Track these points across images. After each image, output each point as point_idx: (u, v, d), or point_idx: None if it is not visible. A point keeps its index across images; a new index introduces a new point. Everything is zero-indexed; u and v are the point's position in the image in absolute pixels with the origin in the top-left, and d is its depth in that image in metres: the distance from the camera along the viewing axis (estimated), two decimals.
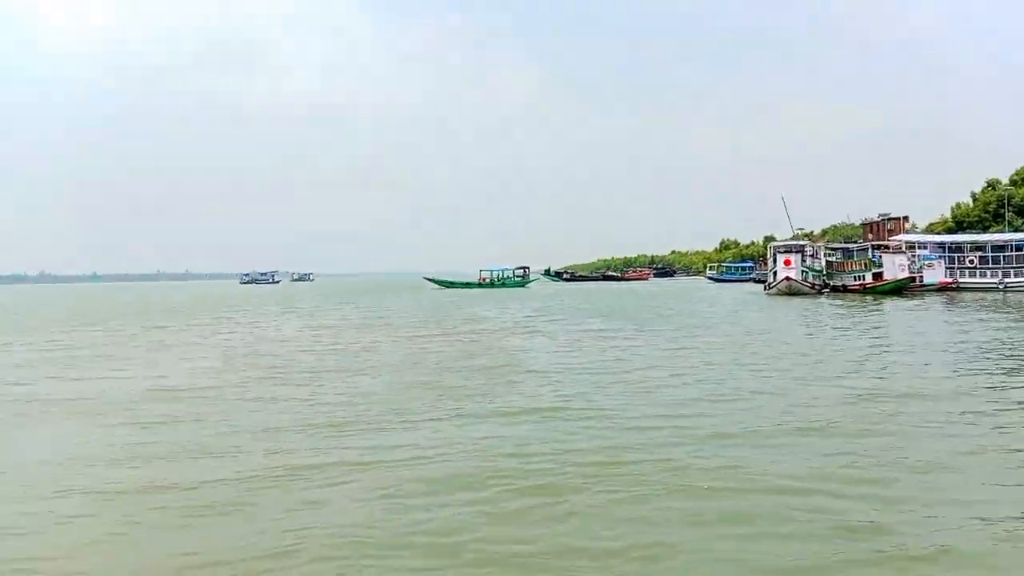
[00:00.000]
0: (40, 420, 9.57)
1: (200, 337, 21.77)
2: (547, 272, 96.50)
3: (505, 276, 72.86)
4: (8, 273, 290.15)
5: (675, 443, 7.60)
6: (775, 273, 43.56)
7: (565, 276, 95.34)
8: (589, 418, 8.86)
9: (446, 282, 73.49)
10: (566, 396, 10.37)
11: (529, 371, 12.97)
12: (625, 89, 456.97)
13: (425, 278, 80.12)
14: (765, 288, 46.21)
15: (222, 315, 34.06)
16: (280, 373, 13.41)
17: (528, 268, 75.76)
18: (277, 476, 6.69)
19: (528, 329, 22.31)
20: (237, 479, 6.57)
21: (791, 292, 41.38)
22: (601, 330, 21.44)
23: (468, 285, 70.66)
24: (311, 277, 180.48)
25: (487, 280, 71.72)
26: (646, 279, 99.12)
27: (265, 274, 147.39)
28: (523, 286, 71.35)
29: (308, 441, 7.98)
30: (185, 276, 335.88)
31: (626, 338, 18.89)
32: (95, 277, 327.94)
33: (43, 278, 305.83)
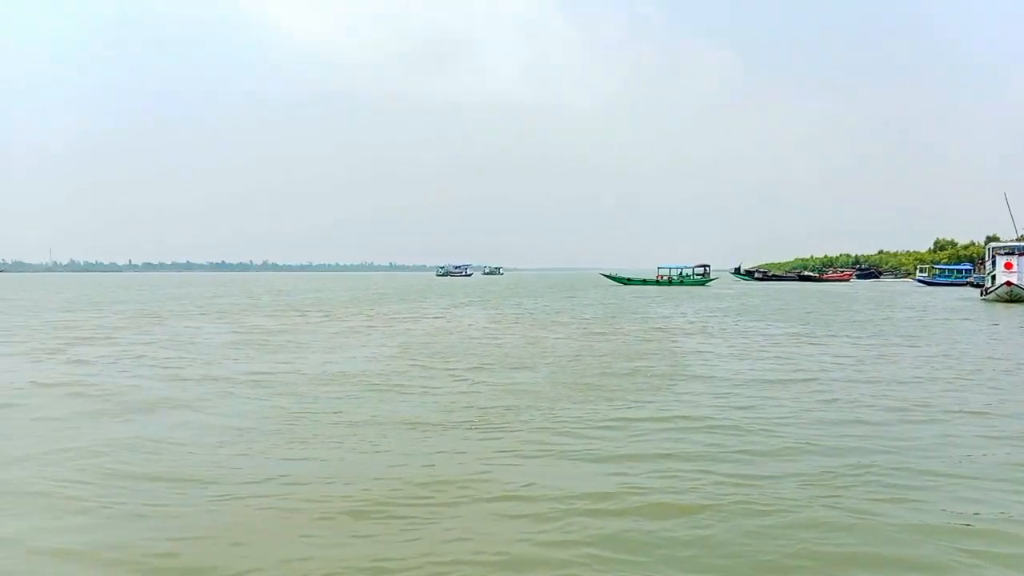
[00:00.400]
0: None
1: (392, 323, 23.25)
2: (737, 271, 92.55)
3: (684, 274, 71.44)
4: (235, 262, 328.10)
5: (851, 480, 6.90)
6: (994, 277, 39.01)
7: (757, 275, 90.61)
8: (736, 432, 8.31)
9: (623, 279, 73.00)
10: (727, 406, 9.81)
11: (693, 376, 12.44)
12: (827, 74, 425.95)
13: (602, 274, 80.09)
14: (982, 293, 41.46)
15: (415, 304, 36.19)
16: (447, 362, 13.95)
17: (708, 266, 73.64)
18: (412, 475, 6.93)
19: (700, 330, 21.45)
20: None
21: (1012, 298, 36.57)
22: (776, 334, 20.13)
23: (645, 282, 69.98)
24: (501, 271, 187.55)
25: (665, 278, 70.70)
26: (847, 280, 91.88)
27: (459, 267, 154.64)
28: (703, 284, 69.58)
29: (439, 441, 8.19)
30: (390, 267, 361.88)
31: (807, 344, 17.58)
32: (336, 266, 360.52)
33: (314, 267, 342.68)
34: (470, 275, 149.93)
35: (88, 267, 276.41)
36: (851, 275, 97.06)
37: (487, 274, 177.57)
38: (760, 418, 8.95)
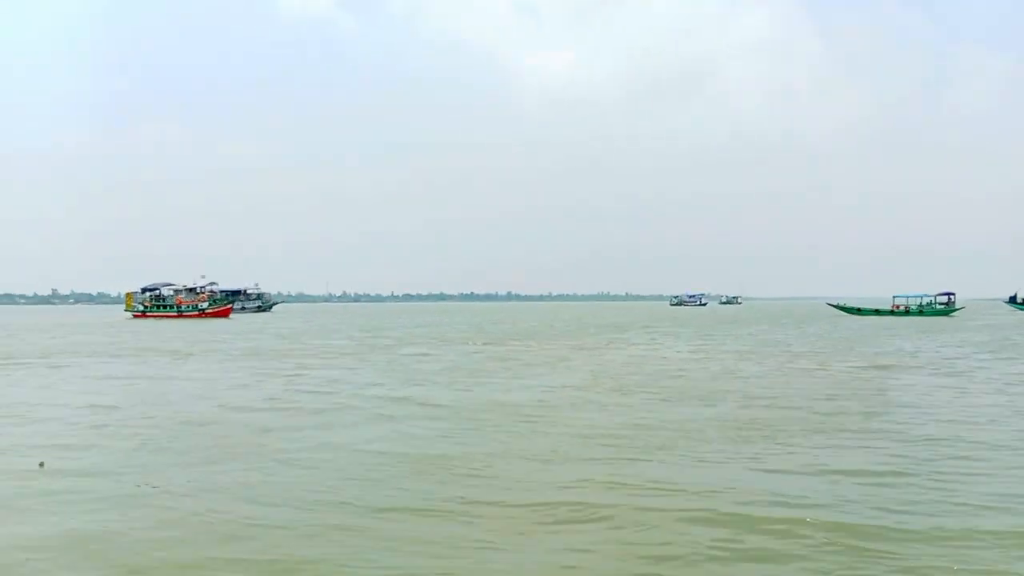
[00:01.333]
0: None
1: (595, 352, 22.97)
2: (1012, 299, 79.35)
3: (924, 303, 63.68)
4: (483, 292, 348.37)
5: None
6: None
7: None
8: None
9: (852, 309, 66.27)
10: (915, 466, 8.14)
11: (897, 422, 10.59)
12: None
13: (828, 304, 73.45)
14: None
15: (631, 333, 35.60)
16: (626, 394, 13.30)
17: (954, 294, 64.92)
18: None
19: (938, 369, 18.35)
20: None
21: None
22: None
23: (879, 312, 62.86)
24: (739, 300, 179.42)
25: (901, 307, 63.40)
26: None
27: (693, 296, 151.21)
28: (947, 315, 61.73)
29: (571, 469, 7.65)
30: (626, 297, 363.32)
31: None
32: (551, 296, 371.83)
33: (553, 296, 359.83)
34: (705, 304, 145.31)
35: (359, 298, 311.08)
36: None
37: (724, 303, 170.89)
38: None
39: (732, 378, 16.09)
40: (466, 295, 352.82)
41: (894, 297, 65.75)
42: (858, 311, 65.14)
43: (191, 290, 71.02)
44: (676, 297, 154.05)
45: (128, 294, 71.19)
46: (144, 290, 70.31)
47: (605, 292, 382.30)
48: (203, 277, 73.28)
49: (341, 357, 22.64)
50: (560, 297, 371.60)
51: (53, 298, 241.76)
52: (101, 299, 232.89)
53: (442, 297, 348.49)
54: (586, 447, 8.86)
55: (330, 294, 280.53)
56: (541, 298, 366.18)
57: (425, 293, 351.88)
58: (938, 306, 63.63)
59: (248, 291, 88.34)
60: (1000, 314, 69.62)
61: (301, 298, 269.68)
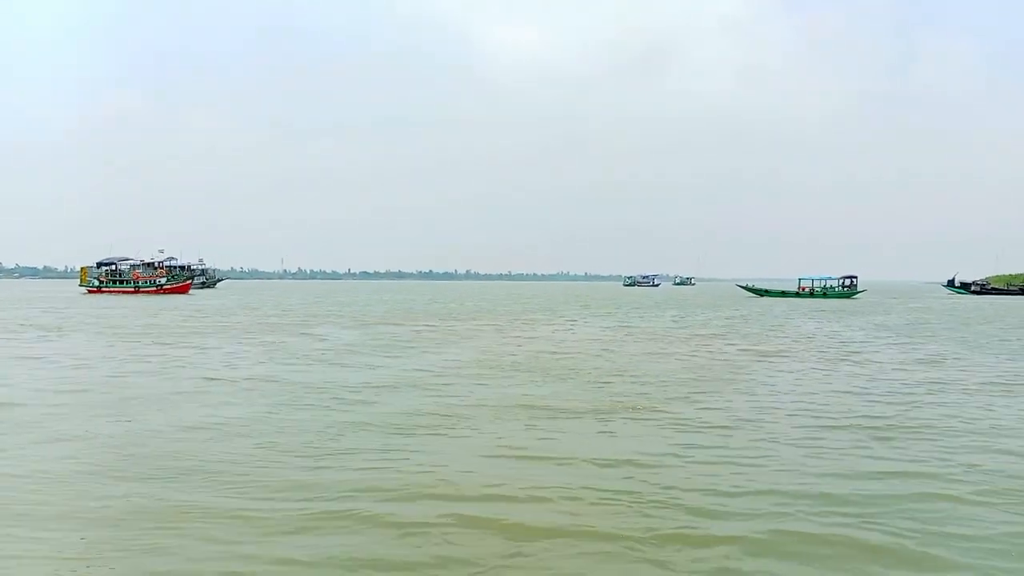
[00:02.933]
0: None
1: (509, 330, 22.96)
2: (950, 282, 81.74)
3: (828, 286, 67.11)
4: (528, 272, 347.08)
5: None
6: None
7: (973, 288, 79.13)
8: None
9: (760, 290, 69.97)
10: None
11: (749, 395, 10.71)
12: None
13: (739, 286, 76.82)
14: None
15: (557, 313, 35.69)
16: (496, 371, 13.26)
17: (856, 278, 67.89)
18: None
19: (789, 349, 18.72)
20: None
21: None
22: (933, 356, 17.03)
23: (784, 294, 67.16)
24: (692, 281, 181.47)
25: (806, 290, 67.04)
26: None
27: (647, 277, 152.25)
28: (849, 297, 65.36)
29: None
30: (586, 277, 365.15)
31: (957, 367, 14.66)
32: (507, 275, 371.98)
33: (512, 276, 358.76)
34: (658, 285, 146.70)
35: (313, 275, 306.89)
36: None
37: (678, 284, 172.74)
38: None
39: (599, 359, 16.18)
40: (424, 273, 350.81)
41: (799, 279, 69.00)
42: (764, 292, 68.89)
43: (149, 264, 68.47)
44: (630, 278, 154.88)
45: (83, 268, 68.06)
46: (99, 264, 67.43)
47: (565, 272, 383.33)
48: (161, 252, 70.81)
49: (226, 334, 22.27)
50: (519, 276, 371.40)
51: None
52: (47, 273, 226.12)
53: (400, 275, 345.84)
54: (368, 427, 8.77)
55: (284, 271, 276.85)
56: (500, 277, 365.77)
57: (383, 271, 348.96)
58: (841, 289, 66.92)
59: (191, 266, 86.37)
60: (926, 297, 71.75)
61: (254, 274, 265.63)
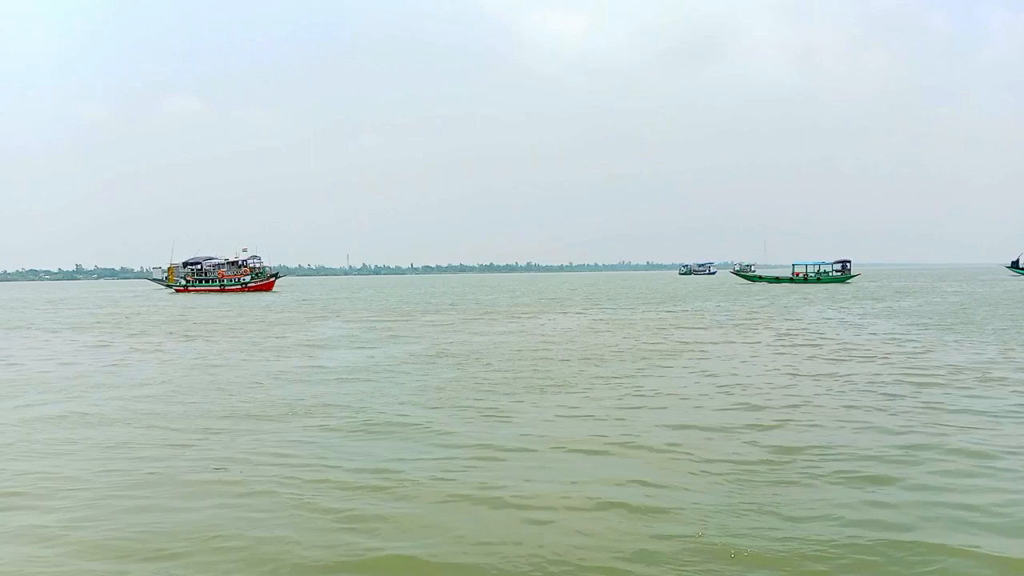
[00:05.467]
0: None
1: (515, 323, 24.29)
2: (1015, 264, 78.75)
3: (822, 271, 67.02)
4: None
5: None
6: None
7: None
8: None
9: (754, 277, 71.77)
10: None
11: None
12: None
13: (732, 272, 77.38)
14: None
15: (596, 306, 36.73)
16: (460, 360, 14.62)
17: (849, 262, 67.61)
18: None
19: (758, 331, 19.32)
20: None
21: None
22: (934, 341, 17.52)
23: (777, 280, 68.56)
24: (752, 268, 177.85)
25: (800, 275, 66.93)
26: None
27: (703, 265, 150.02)
28: (843, 282, 65.40)
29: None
30: (647, 267, 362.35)
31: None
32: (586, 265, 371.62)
33: (573, 267, 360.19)
34: (714, 273, 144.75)
35: (378, 271, 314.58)
36: None
37: (737, 272, 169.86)
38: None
39: (584, 345, 17.32)
40: (485, 266, 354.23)
41: (793, 265, 69.05)
42: (757, 278, 70.75)
43: (233, 263, 69.00)
44: (686, 266, 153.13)
45: (170, 267, 69.58)
46: (185, 264, 68.75)
47: (626, 262, 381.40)
48: (244, 251, 70.22)
49: (269, 328, 24.26)
50: (580, 267, 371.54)
51: (77, 274, 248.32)
52: (124, 274, 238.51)
53: (462, 269, 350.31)
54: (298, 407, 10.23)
55: (349, 266, 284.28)
56: (561, 268, 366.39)
57: (445, 265, 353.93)
58: (834, 273, 66.92)
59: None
60: (1006, 278, 69.66)
61: (321, 271, 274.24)
